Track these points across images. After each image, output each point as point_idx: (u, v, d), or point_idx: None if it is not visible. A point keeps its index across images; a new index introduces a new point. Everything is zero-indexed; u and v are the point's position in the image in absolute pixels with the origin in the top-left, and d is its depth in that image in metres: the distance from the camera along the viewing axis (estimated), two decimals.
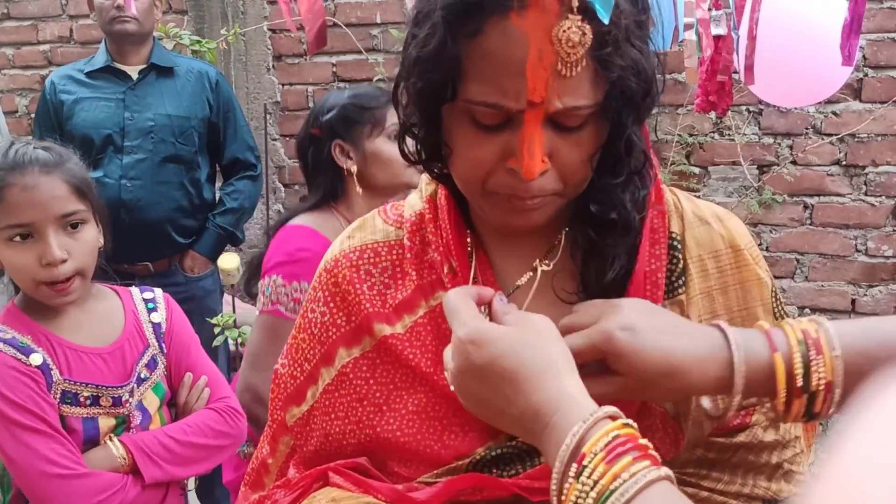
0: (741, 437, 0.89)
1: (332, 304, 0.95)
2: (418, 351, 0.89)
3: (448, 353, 0.78)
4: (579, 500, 0.64)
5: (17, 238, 1.37)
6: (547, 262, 0.90)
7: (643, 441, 0.66)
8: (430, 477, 0.87)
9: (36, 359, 1.37)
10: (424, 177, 0.96)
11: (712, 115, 3.27)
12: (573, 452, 0.66)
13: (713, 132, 3.36)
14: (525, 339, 0.74)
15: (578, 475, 0.65)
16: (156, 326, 1.54)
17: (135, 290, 1.59)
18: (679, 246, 0.90)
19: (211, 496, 2.95)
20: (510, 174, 0.80)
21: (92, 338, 1.46)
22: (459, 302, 0.78)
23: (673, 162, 3.35)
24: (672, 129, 3.34)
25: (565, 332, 0.79)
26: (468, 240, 0.91)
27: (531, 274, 0.90)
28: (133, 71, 2.82)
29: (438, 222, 0.93)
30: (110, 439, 1.42)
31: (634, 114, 0.81)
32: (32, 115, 3.89)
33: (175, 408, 1.57)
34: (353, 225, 1.00)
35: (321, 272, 0.98)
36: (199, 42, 3.26)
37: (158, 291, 1.62)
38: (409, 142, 0.91)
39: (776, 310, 0.92)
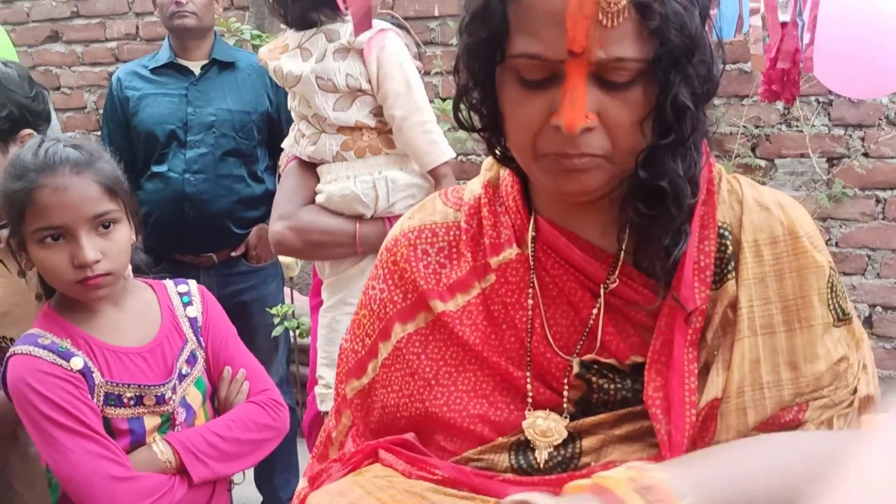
0: None
1: (390, 282, 0.99)
2: (468, 329, 0.92)
3: None
4: None
5: (49, 239, 1.35)
6: (611, 277, 0.89)
7: None
8: (475, 453, 0.90)
9: (77, 363, 1.35)
10: (486, 162, 0.99)
11: (779, 105, 3.17)
12: None
13: (780, 123, 3.26)
14: None
15: None
16: (192, 321, 1.51)
17: (169, 283, 1.56)
18: (728, 234, 0.89)
19: (270, 486, 2.99)
20: (556, 132, 0.80)
21: (130, 337, 1.44)
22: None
23: (738, 154, 3.26)
24: (737, 121, 3.25)
25: None
26: (530, 223, 0.93)
27: (598, 303, 0.90)
28: (195, 66, 2.86)
29: (493, 207, 0.95)
30: (155, 439, 1.40)
31: (681, 74, 0.79)
32: (100, 111, 4.00)
33: (216, 402, 1.55)
34: (415, 207, 1.04)
35: (382, 251, 1.02)
36: (259, 37, 3.30)
37: (193, 284, 1.58)
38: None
39: (830, 302, 0.88)
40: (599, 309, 0.89)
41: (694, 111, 0.81)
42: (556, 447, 0.88)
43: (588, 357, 0.89)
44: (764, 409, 0.84)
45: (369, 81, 1.88)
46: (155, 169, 2.82)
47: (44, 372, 1.33)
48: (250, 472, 2.88)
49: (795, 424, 0.85)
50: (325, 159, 1.94)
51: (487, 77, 0.86)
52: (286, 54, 1.94)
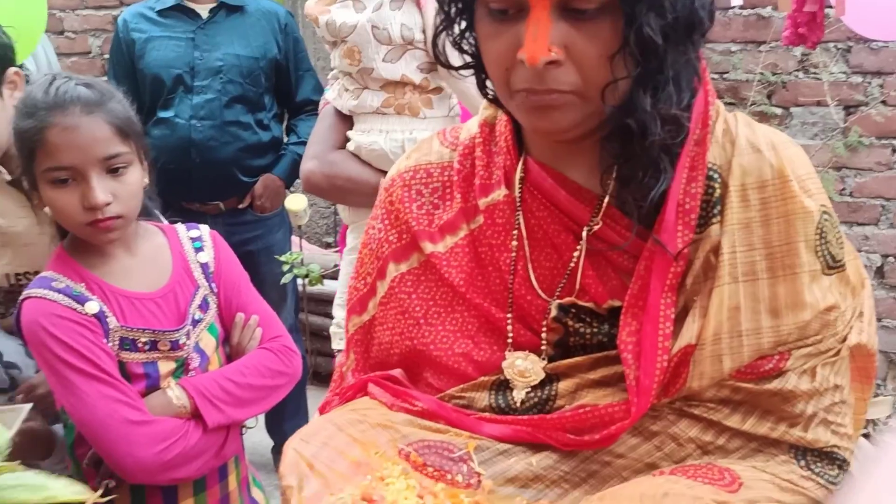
0: (773, 385, 0.85)
1: (386, 222, 1.01)
2: (454, 270, 0.94)
3: None
4: None
5: (60, 181, 1.33)
6: (595, 219, 0.89)
7: None
8: (457, 391, 0.93)
9: (92, 307, 1.35)
10: (485, 101, 0.98)
11: (797, 52, 3.11)
12: None
13: (797, 70, 3.20)
14: None
15: None
16: (204, 266, 1.50)
17: (180, 227, 1.54)
18: (717, 176, 0.87)
19: (280, 431, 3.03)
20: (524, 67, 0.79)
21: (142, 283, 1.43)
22: None
23: (753, 102, 3.20)
24: (753, 68, 3.19)
25: None
26: (519, 164, 0.93)
27: (579, 246, 0.89)
28: (203, 9, 2.81)
29: (488, 147, 0.96)
30: (170, 384, 1.40)
31: (649, 4, 0.77)
32: (105, 56, 3.95)
33: (229, 348, 1.54)
34: (414, 146, 1.05)
35: (381, 190, 1.04)
36: None
37: (204, 228, 1.56)
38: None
39: (819, 249, 0.87)
40: (581, 251, 0.89)
41: (665, 44, 0.79)
42: (534, 388, 0.90)
43: (567, 300, 0.89)
44: (741, 357, 0.84)
45: (423, 31, 1.87)
46: (161, 114, 2.78)
47: (59, 316, 1.32)
48: (261, 418, 2.91)
49: (776, 373, 0.85)
50: (366, 113, 1.97)
51: (465, 10, 0.86)
52: (336, 6, 1.94)
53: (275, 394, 1.51)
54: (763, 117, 3.18)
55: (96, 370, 1.32)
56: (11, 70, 1.61)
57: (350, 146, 1.97)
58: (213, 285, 1.51)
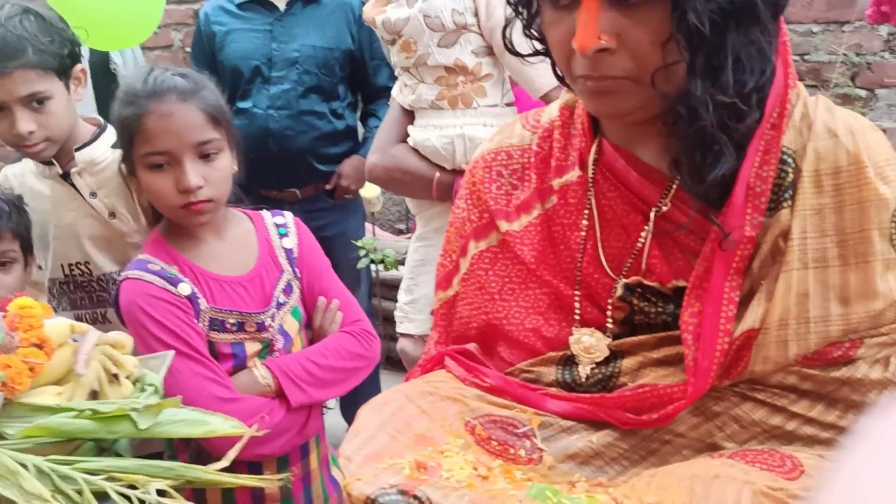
0: (841, 372, 0.84)
1: (469, 202, 1.05)
2: (527, 248, 0.97)
3: None
4: None
5: (156, 165, 1.40)
6: (664, 201, 0.90)
7: None
8: (527, 365, 0.97)
9: (184, 289, 1.41)
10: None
11: (883, 31, 3.00)
12: None
13: (883, 51, 3.08)
14: None
15: None
16: (288, 252, 1.55)
17: (266, 213, 1.60)
18: (791, 160, 0.86)
19: (354, 413, 3.08)
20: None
21: (230, 266, 1.48)
22: None
23: (836, 84, 3.11)
24: (836, 49, 3.09)
25: None
26: (594, 146, 0.95)
27: (647, 227, 0.91)
28: (280, 2, 2.87)
29: (567, 129, 0.98)
30: (255, 364, 1.45)
31: None
32: (187, 49, 4.07)
33: (311, 331, 1.59)
34: (499, 129, 1.09)
35: (466, 172, 1.08)
36: None
37: (289, 215, 1.62)
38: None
39: (894, 236, 0.85)
40: (648, 232, 0.90)
41: (718, 29, 0.78)
42: (598, 364, 0.92)
43: (633, 279, 0.91)
44: (807, 344, 0.84)
45: (475, 15, 1.89)
46: (240, 105, 2.85)
47: (154, 296, 1.39)
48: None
49: (845, 360, 0.84)
50: (423, 108, 2.02)
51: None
52: (391, 6, 1.99)
53: (354, 376, 1.55)
54: (846, 100, 3.09)
55: (188, 348, 1.38)
56: (78, 67, 1.70)
57: (410, 141, 2.03)
58: (297, 270, 1.55)
